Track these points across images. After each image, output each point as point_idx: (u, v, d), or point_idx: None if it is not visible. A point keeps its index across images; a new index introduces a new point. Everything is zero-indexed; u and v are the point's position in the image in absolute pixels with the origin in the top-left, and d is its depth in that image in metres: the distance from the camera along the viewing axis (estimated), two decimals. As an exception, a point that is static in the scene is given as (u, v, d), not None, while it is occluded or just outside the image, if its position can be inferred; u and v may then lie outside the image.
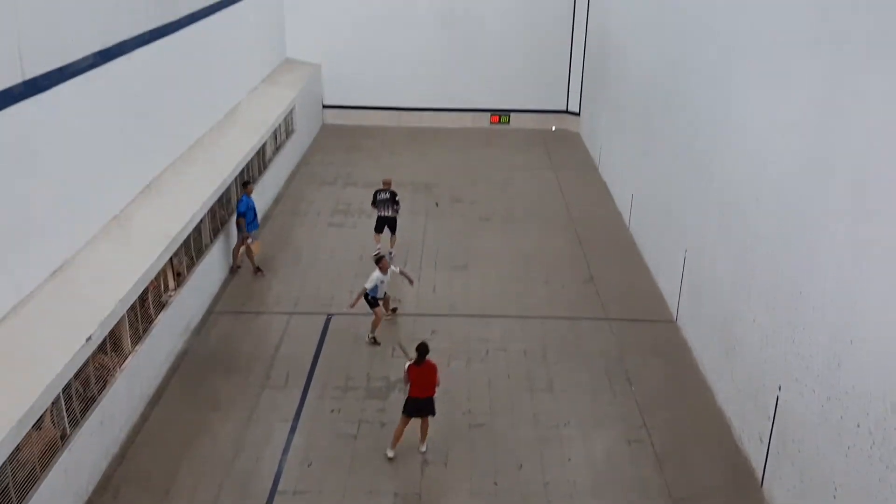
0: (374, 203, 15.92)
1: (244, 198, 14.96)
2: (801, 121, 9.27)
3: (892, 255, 7.37)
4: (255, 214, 15.20)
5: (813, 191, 8.92)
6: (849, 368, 8.02)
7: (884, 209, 7.54)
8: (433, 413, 10.43)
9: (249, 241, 15.09)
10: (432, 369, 10.30)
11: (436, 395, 10.45)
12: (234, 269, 15.25)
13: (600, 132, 21.37)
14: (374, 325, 13.02)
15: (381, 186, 15.99)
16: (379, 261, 13.12)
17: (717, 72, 12.23)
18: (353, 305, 12.98)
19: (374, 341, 12.95)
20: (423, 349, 10.30)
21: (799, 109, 9.36)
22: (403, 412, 10.42)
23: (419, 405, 10.34)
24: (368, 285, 12.83)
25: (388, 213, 15.86)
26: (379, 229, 15.97)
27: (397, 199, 15.93)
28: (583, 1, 23.41)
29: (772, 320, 9.80)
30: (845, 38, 8.38)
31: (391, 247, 16.01)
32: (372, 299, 12.97)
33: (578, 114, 24.51)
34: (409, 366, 10.31)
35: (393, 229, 16.02)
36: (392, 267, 13.33)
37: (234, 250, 15.27)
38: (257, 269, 15.25)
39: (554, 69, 24.45)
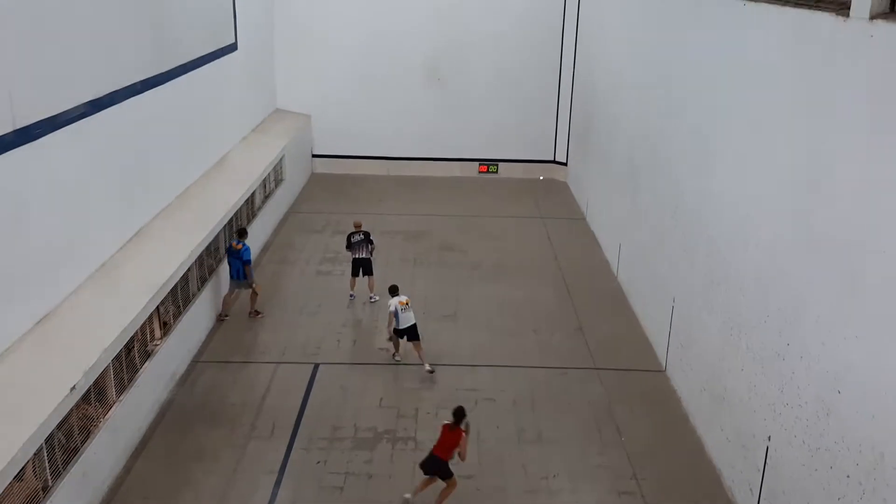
0: (349, 246, 16.09)
1: (247, 245, 14.98)
2: (786, 174, 9.40)
3: (877, 304, 7.43)
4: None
5: (797, 243, 9.01)
6: (838, 418, 8.01)
7: (866, 260, 7.62)
8: (447, 476, 10.18)
9: (254, 285, 15.27)
10: (458, 436, 10.14)
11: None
12: (222, 318, 15.17)
13: (588, 182, 21.58)
14: (419, 356, 13.61)
15: (353, 229, 16.18)
16: (392, 291, 13.86)
17: (700, 126, 12.42)
18: (388, 339, 13.91)
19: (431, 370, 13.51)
20: (458, 414, 10.26)
21: (784, 163, 9.50)
22: (420, 464, 10.37)
23: (432, 462, 10.21)
24: (391, 307, 13.48)
25: (363, 254, 15.95)
26: (355, 272, 16.08)
27: (371, 238, 16.08)
28: (569, 53, 23.85)
29: (760, 370, 9.80)
30: (825, 107, 8.56)
31: (370, 290, 16.07)
32: (396, 331, 13.57)
33: (566, 164, 24.78)
34: (445, 424, 10.31)
35: (369, 271, 16.10)
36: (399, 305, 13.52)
37: (225, 298, 15.26)
38: (257, 312, 15.34)
39: (541, 120, 24.79)
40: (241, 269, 14.86)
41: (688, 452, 11.58)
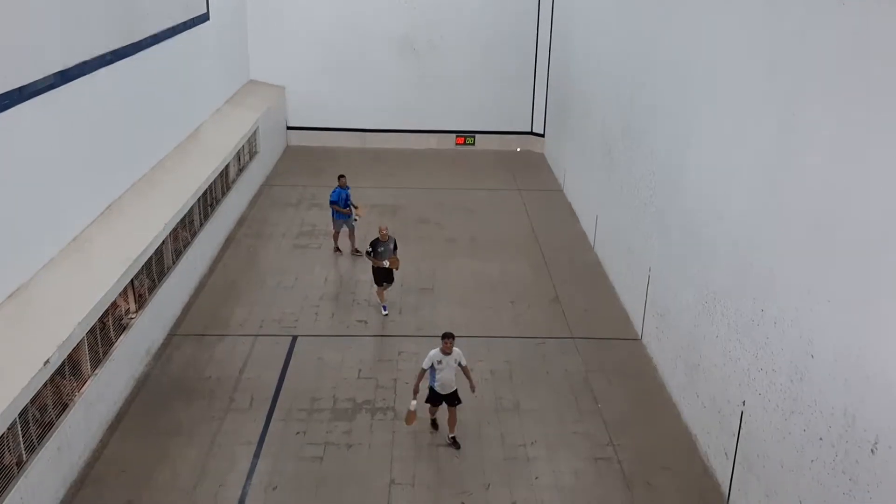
0: (375, 255, 14.49)
1: (336, 189, 16.76)
2: (758, 147, 9.44)
3: (850, 271, 7.51)
4: (346, 203, 16.80)
5: (771, 212, 9.07)
6: (811, 383, 8.12)
7: (838, 229, 7.69)
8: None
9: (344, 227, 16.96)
10: None
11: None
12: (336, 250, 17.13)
13: (564, 153, 21.58)
14: (449, 422, 11.07)
15: (378, 236, 14.60)
16: (444, 337, 10.78)
17: (674, 101, 12.43)
18: (415, 392, 10.89)
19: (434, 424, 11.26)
20: None
21: (758, 131, 9.53)
22: None
23: None
24: (425, 364, 10.77)
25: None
26: (379, 282, 14.65)
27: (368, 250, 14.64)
28: (546, 25, 23.71)
29: (734, 337, 9.90)
30: (797, 80, 8.58)
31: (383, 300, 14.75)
32: (430, 390, 10.93)
33: (543, 135, 24.74)
34: None
35: (391, 280, 14.71)
36: (456, 351, 10.81)
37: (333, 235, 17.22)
38: (356, 250, 17.03)
39: (518, 91, 24.69)
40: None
41: (664, 419, 11.71)
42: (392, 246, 14.59)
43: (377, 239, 14.48)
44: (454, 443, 11.01)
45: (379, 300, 14.70)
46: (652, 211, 13.38)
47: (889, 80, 7.01)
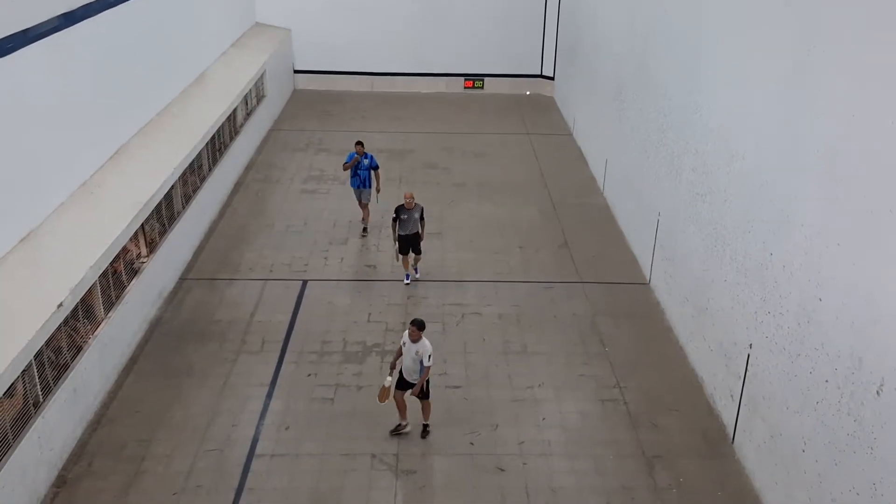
0: (400, 223, 13.40)
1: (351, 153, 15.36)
2: (772, 87, 9.30)
3: (858, 215, 7.47)
4: (356, 171, 15.28)
5: (783, 155, 8.99)
6: (818, 325, 8.15)
7: (850, 171, 7.63)
8: None
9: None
10: None
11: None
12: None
13: (575, 97, 21.34)
14: (423, 413, 10.32)
15: (404, 203, 13.43)
16: (410, 323, 9.87)
17: (688, 39, 12.22)
18: (392, 368, 10.15)
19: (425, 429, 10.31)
20: None
21: (769, 76, 9.39)
22: None
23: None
24: (401, 342, 10.02)
25: (413, 230, 13.50)
26: (405, 250, 13.59)
27: (423, 215, 13.70)
28: (556, -36, 23.26)
29: (743, 280, 9.91)
30: (811, 17, 8.42)
31: (414, 265, 13.97)
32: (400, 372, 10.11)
33: (553, 78, 24.44)
34: None
35: (417, 249, 13.75)
36: (424, 344, 9.73)
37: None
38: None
39: (528, 33, 24.32)
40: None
41: (670, 362, 11.81)
42: (418, 215, 13.40)
43: (402, 205, 13.31)
44: (424, 430, 10.25)
45: (404, 268, 13.74)
46: (662, 154, 13.28)
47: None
